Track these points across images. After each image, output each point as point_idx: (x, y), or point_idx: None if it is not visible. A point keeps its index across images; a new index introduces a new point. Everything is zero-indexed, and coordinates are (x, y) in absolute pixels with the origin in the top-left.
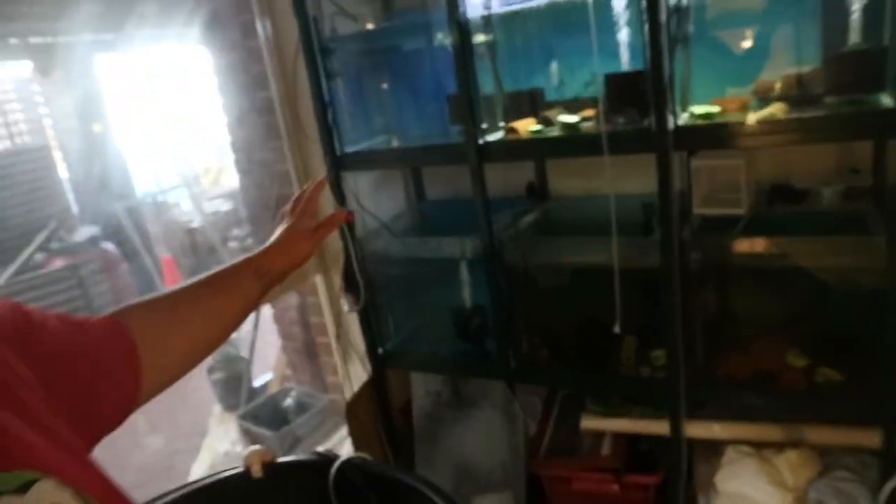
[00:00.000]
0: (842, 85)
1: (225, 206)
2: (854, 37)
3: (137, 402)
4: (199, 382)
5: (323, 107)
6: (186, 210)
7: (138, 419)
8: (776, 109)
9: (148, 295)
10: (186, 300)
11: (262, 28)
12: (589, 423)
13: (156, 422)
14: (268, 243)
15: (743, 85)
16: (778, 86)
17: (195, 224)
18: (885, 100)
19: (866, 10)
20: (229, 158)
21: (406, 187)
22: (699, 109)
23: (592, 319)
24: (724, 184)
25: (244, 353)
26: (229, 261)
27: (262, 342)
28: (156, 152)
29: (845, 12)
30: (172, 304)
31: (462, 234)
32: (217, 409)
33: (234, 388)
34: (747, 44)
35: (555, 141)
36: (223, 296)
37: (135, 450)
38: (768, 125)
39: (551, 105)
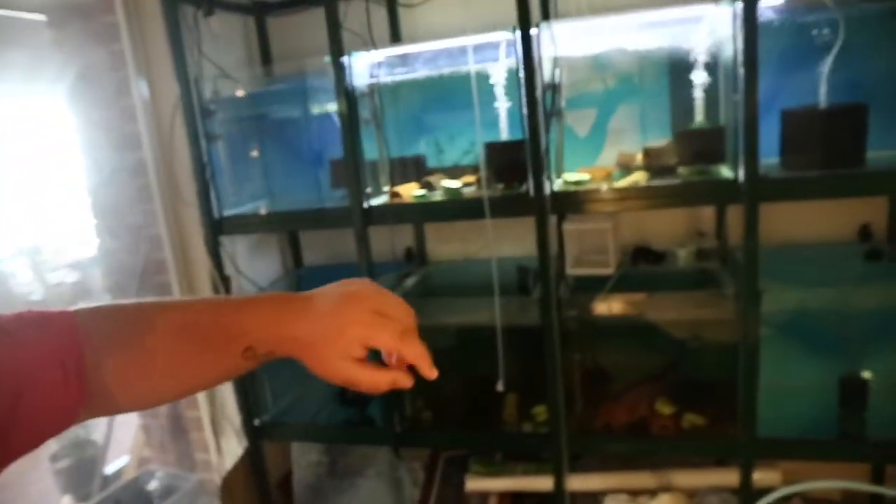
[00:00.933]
0: (690, 157)
1: (71, 276)
2: (699, 115)
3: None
4: (39, 474)
5: (201, 169)
6: (25, 281)
7: None
8: (638, 177)
9: (121, 320)
10: (166, 350)
11: (137, 86)
12: (473, 483)
13: None
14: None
15: (595, 158)
16: (639, 157)
17: (36, 297)
18: (725, 171)
19: (707, 94)
20: (83, 224)
21: (283, 253)
22: (571, 177)
23: (475, 378)
24: (593, 246)
25: (95, 435)
26: None
27: (115, 422)
28: (14, 210)
29: (689, 95)
30: (150, 349)
31: None
32: (66, 500)
33: (83, 476)
34: (606, 119)
35: (438, 205)
36: (202, 359)
37: None
38: (633, 191)
39: (433, 171)
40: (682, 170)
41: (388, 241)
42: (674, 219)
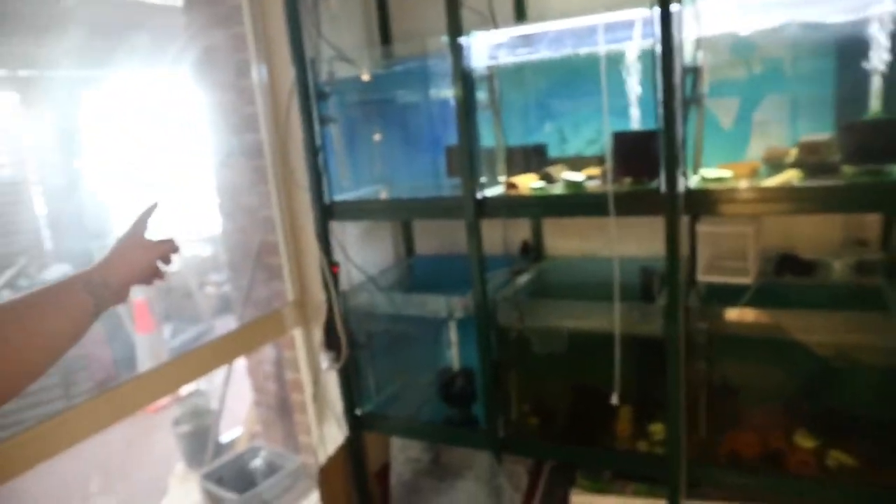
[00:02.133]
0: (858, 154)
1: (205, 250)
2: (874, 105)
3: None
4: (163, 435)
5: (314, 153)
6: None
7: (89, 476)
8: (791, 175)
9: None
10: (8, 318)
11: (256, 68)
12: (579, 499)
13: (110, 479)
14: (102, 258)
15: (739, 153)
16: (792, 152)
17: (173, 267)
18: None
19: (885, 79)
20: (213, 202)
21: (395, 241)
22: (710, 173)
23: (588, 388)
24: (730, 251)
25: (213, 405)
26: (204, 305)
27: (232, 395)
28: (136, 191)
29: (862, 81)
30: None
31: (452, 291)
32: (180, 466)
33: (199, 443)
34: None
35: (557, 199)
36: (52, 312)
37: None
38: (783, 192)
39: (553, 161)
40: (846, 168)
41: (504, 233)
42: (829, 225)
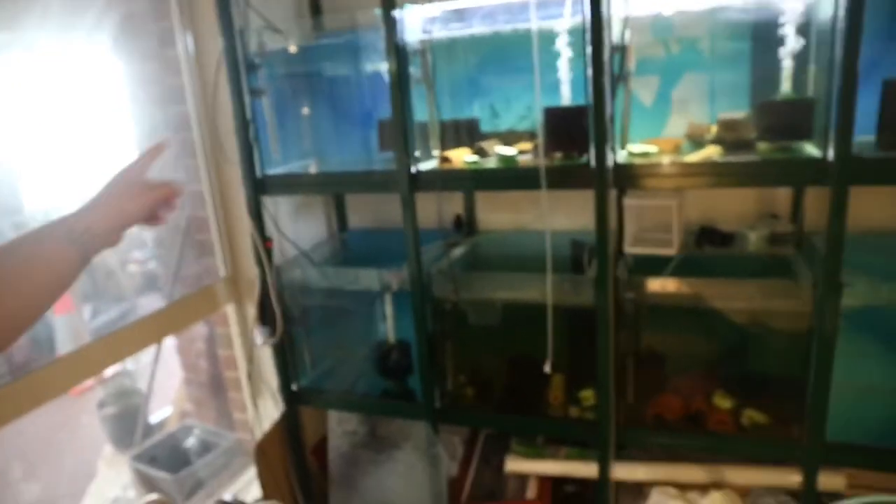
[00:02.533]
0: (772, 131)
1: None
2: (785, 86)
3: None
4: (89, 418)
5: (244, 125)
6: None
7: (10, 463)
8: (711, 151)
9: None
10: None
11: (181, 38)
12: (514, 465)
13: (33, 466)
14: (88, 200)
15: (661, 129)
16: (712, 129)
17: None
18: (810, 148)
19: (796, 61)
20: None
21: (328, 215)
22: (636, 148)
23: (521, 358)
24: (655, 224)
25: (141, 385)
26: (127, 284)
27: (161, 374)
28: (50, 165)
29: (775, 61)
30: None
31: (386, 265)
32: (107, 448)
33: (127, 424)
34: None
35: (490, 173)
36: (32, 269)
37: (7, 500)
38: (705, 167)
39: (486, 136)
40: (761, 145)
41: (437, 207)
42: (745, 198)
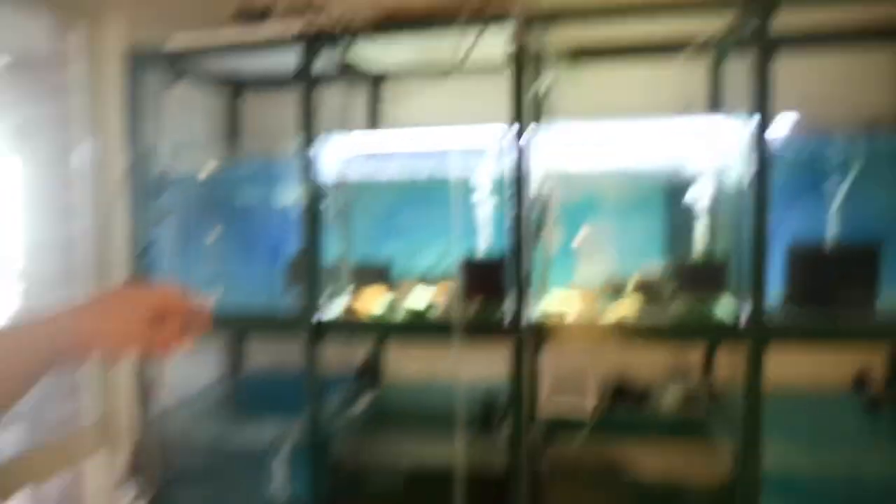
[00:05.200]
0: (688, 288)
1: None
2: (698, 243)
3: None
4: None
5: (140, 249)
6: None
7: None
8: (627, 308)
9: None
10: None
11: (81, 148)
12: None
13: None
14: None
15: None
16: (632, 283)
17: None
18: (723, 305)
19: (710, 221)
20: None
21: (225, 352)
22: (554, 301)
23: None
24: (571, 378)
25: None
26: None
27: None
28: None
29: (687, 218)
30: None
31: (285, 414)
32: None
33: None
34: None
35: (401, 325)
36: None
37: None
38: (624, 327)
39: (399, 279)
40: (678, 302)
41: (343, 351)
42: (660, 352)
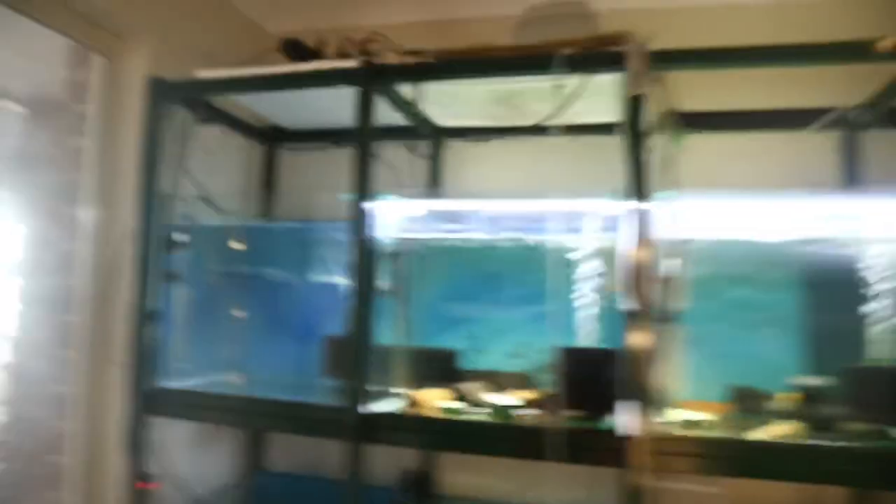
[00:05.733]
0: (867, 407)
1: None
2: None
3: None
4: None
5: (144, 317)
6: None
7: None
8: (788, 428)
9: None
10: None
11: (85, 196)
12: None
13: None
14: None
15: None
16: (779, 398)
17: None
18: None
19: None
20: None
21: (238, 449)
22: (675, 412)
23: None
24: None
25: None
26: None
27: None
28: None
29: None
30: None
31: None
32: None
33: None
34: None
35: (479, 429)
36: None
37: None
38: (778, 448)
39: (465, 374)
40: (849, 425)
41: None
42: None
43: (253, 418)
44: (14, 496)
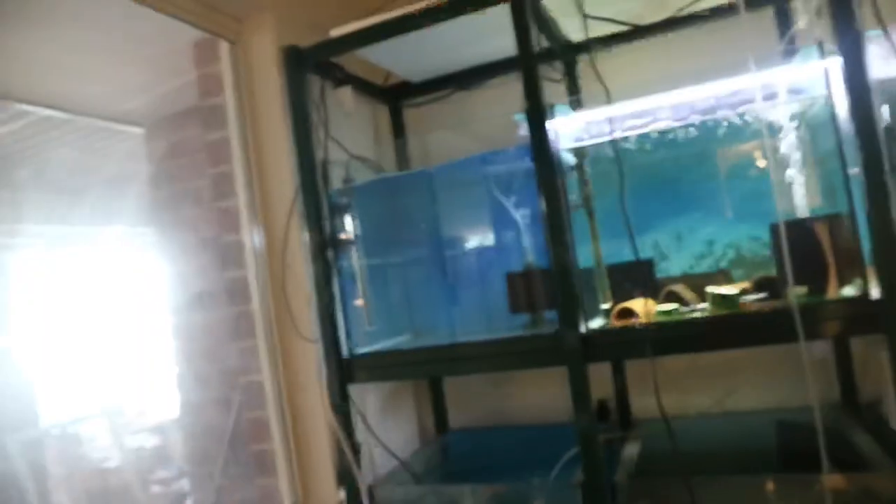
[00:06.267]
0: None
1: (151, 441)
2: None
3: None
4: None
5: (328, 290)
6: (103, 445)
7: None
8: None
9: None
10: None
11: (241, 181)
12: None
13: None
14: None
15: None
16: None
17: (112, 463)
18: None
19: None
20: (166, 375)
21: (419, 413)
22: None
23: None
24: None
25: None
26: None
27: None
28: (72, 371)
29: None
30: None
31: (507, 478)
32: None
33: None
34: None
35: (713, 325)
36: None
37: None
38: None
39: (660, 283)
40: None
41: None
42: None
43: (462, 364)
44: (219, 485)
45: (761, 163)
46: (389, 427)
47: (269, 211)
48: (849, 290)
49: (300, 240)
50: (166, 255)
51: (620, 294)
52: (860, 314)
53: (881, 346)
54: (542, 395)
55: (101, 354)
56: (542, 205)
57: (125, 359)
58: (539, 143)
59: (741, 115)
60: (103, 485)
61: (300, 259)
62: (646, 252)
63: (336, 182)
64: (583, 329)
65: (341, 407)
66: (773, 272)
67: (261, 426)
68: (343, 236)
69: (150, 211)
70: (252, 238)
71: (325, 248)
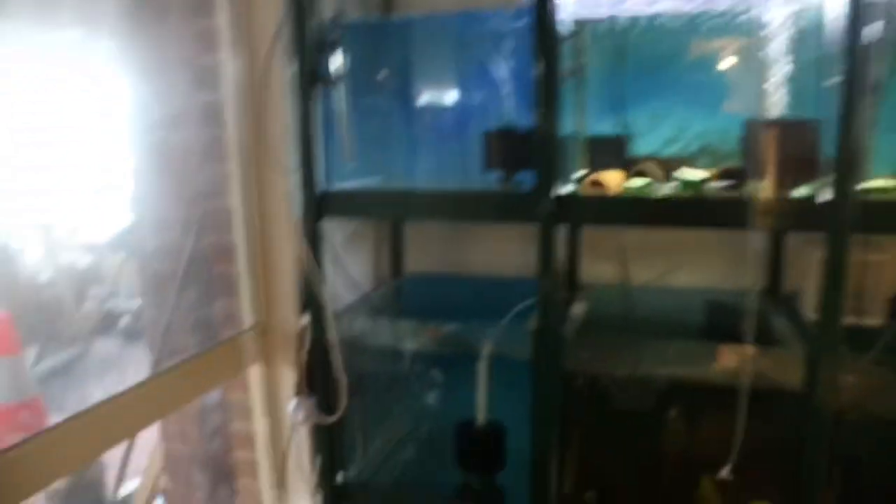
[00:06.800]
0: None
1: (84, 259)
2: None
3: None
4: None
5: (306, 121)
6: (35, 260)
7: None
8: None
9: None
10: None
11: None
12: None
13: None
14: None
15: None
16: None
17: (43, 277)
18: None
19: None
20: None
21: (377, 255)
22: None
23: (667, 453)
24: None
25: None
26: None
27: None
28: (5, 183)
29: None
30: None
31: (465, 321)
32: None
33: (85, 500)
34: None
35: (674, 203)
36: None
37: None
38: None
39: (634, 160)
40: None
41: (516, 250)
42: None
43: (432, 209)
44: (178, 303)
45: (745, 61)
46: (348, 265)
47: (252, 33)
48: (803, 191)
49: (282, 71)
50: (133, 69)
51: (594, 165)
52: (808, 212)
53: (816, 245)
54: (498, 251)
55: (43, 167)
56: (540, 67)
57: (69, 174)
58: (542, 3)
59: (735, 12)
60: (38, 297)
61: (280, 90)
62: (619, 130)
63: (326, 14)
64: (559, 192)
65: (312, 239)
66: (737, 164)
67: (226, 249)
68: (328, 71)
69: (117, 19)
70: (232, 61)
71: (310, 79)
